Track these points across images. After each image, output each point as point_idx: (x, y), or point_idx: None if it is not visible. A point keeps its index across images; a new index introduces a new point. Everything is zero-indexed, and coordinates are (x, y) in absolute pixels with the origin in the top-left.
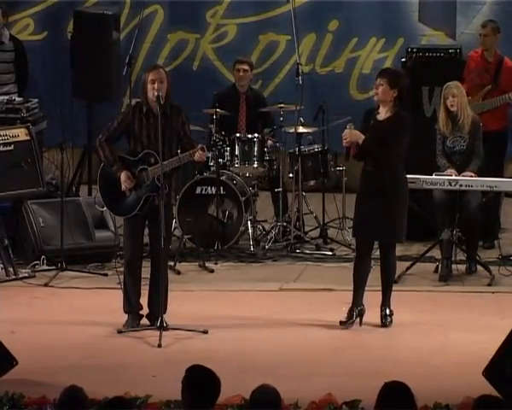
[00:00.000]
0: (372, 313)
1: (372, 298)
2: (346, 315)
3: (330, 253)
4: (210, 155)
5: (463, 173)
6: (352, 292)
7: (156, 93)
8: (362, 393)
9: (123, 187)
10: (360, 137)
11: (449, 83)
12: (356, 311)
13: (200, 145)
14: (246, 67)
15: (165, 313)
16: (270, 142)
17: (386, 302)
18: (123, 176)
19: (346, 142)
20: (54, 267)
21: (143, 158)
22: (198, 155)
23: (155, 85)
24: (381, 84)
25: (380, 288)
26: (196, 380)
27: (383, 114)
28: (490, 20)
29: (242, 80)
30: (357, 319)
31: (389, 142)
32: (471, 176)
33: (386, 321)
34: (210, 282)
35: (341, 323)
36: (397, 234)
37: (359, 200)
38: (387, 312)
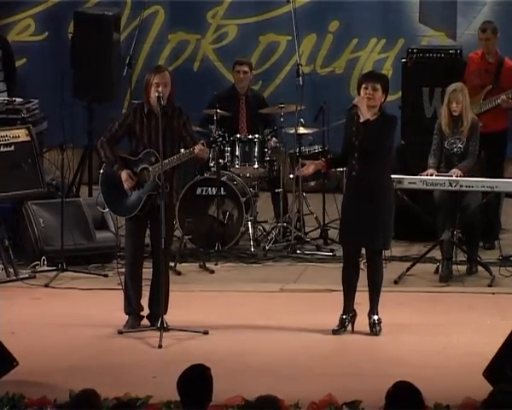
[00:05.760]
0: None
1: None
2: (337, 323)
3: (331, 253)
4: (210, 155)
5: (451, 172)
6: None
7: (157, 94)
8: (362, 394)
9: (125, 186)
10: (313, 163)
11: (454, 86)
12: (348, 318)
13: (201, 141)
14: (246, 68)
15: (165, 313)
16: (274, 139)
17: (373, 309)
18: (124, 175)
19: (306, 173)
20: (54, 268)
21: (144, 157)
22: (198, 148)
23: (159, 89)
24: (376, 89)
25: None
26: (188, 383)
27: (369, 116)
28: (487, 21)
29: (242, 82)
30: (349, 326)
31: (383, 139)
32: (460, 175)
33: (375, 330)
34: (210, 282)
35: (334, 332)
36: (384, 240)
37: (345, 205)
38: (376, 319)
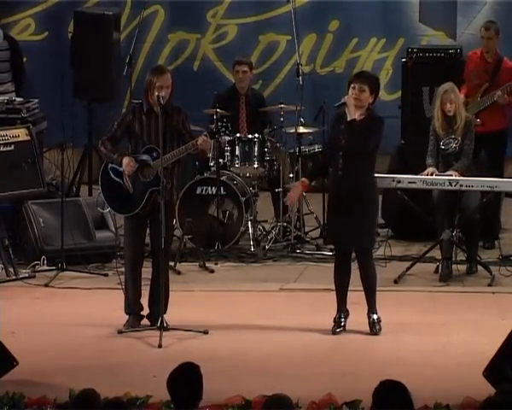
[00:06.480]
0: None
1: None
2: (333, 324)
3: (330, 253)
4: (210, 154)
5: (446, 173)
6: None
7: (157, 93)
8: (362, 393)
9: (126, 171)
10: (295, 189)
11: (445, 86)
12: (342, 317)
13: (203, 133)
14: (245, 68)
15: (165, 313)
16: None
17: (372, 308)
18: (125, 160)
19: (293, 201)
20: (54, 268)
21: (145, 153)
22: (201, 139)
23: (162, 92)
24: (362, 90)
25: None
26: (177, 382)
27: (356, 116)
28: (491, 21)
29: (242, 82)
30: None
31: (367, 140)
32: (457, 176)
33: (375, 329)
34: (210, 282)
35: (333, 332)
36: (371, 239)
37: (331, 207)
38: (375, 318)
